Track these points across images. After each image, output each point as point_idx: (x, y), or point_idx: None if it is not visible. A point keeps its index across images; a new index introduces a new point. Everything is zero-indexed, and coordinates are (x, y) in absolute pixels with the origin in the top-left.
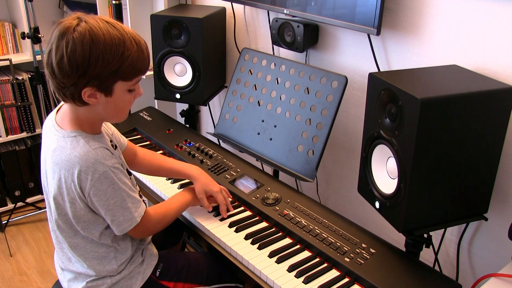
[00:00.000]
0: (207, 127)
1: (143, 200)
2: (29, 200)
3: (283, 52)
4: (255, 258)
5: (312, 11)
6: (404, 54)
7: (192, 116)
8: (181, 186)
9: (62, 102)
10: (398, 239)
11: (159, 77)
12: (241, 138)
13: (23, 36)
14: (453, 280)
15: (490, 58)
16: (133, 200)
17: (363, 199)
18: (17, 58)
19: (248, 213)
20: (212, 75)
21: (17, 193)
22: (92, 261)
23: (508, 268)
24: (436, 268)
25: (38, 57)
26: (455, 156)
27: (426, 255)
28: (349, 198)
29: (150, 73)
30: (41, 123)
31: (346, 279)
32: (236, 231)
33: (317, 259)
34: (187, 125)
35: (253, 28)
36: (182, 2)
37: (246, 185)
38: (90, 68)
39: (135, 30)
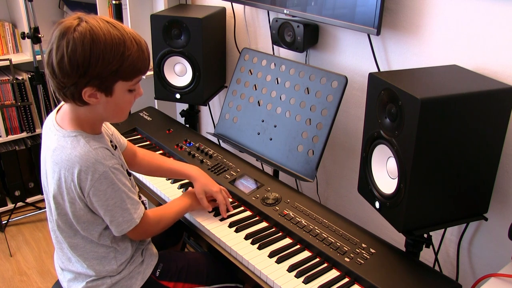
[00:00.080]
0: (207, 127)
1: (143, 201)
2: (29, 200)
3: (283, 52)
4: (255, 258)
5: (312, 11)
6: (404, 54)
7: (192, 116)
8: (181, 186)
9: (62, 102)
10: (398, 239)
11: (159, 77)
12: (241, 138)
13: (23, 36)
14: (453, 280)
15: (490, 58)
16: (132, 201)
17: (363, 199)
18: (17, 58)
19: (248, 213)
20: (212, 75)
21: (17, 193)
22: (91, 261)
23: (508, 268)
24: (436, 268)
25: (38, 57)
26: (455, 156)
27: (426, 255)
28: (349, 198)
29: (150, 73)
30: (41, 123)
31: (346, 279)
32: (236, 231)
33: (317, 259)
34: (187, 125)
35: (253, 28)
36: (182, 2)
37: (246, 185)
38: (90, 68)
39: (135, 30)
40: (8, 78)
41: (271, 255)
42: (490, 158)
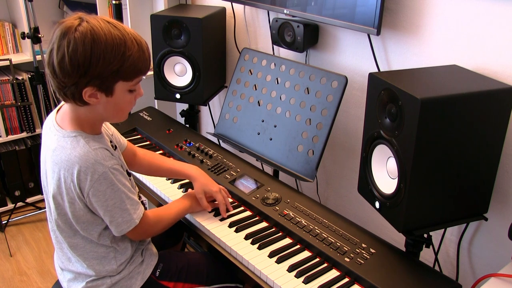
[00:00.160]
0: (207, 127)
1: (142, 201)
2: (29, 200)
3: (283, 52)
4: (255, 258)
5: (312, 11)
6: (404, 54)
7: (192, 116)
8: (181, 186)
9: (62, 102)
10: (398, 239)
11: (159, 77)
12: (241, 138)
13: (23, 36)
14: (453, 280)
15: (490, 58)
16: (132, 201)
17: (363, 199)
18: (17, 58)
19: (248, 213)
20: (212, 75)
21: (17, 193)
22: (91, 261)
23: (508, 268)
24: (436, 268)
25: (38, 57)
26: (455, 156)
27: (426, 255)
28: (349, 198)
29: (150, 73)
30: (41, 123)
31: (346, 279)
32: (236, 231)
33: (317, 259)
34: (187, 125)
35: (253, 28)
36: (182, 2)
37: (246, 185)
38: (91, 68)
39: (135, 30)
40: (8, 78)
41: (271, 255)
42: (490, 158)
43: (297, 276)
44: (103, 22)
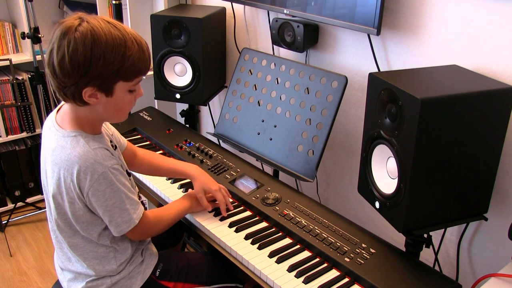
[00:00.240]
0: (207, 127)
1: (142, 201)
2: (29, 200)
3: (283, 52)
4: (255, 258)
5: (312, 11)
6: (404, 54)
7: (192, 116)
8: (181, 186)
9: (62, 102)
10: (398, 239)
11: (159, 77)
12: (241, 138)
13: (23, 36)
14: (453, 280)
15: (490, 58)
16: (131, 201)
17: (363, 199)
18: (17, 58)
19: (248, 213)
20: (212, 75)
21: (17, 193)
22: (91, 261)
23: (508, 268)
24: (436, 268)
25: (38, 57)
26: (455, 156)
27: (426, 255)
28: (349, 198)
29: (150, 73)
30: (41, 123)
31: (346, 279)
32: (236, 231)
33: (317, 259)
34: (187, 125)
35: (253, 28)
36: (182, 2)
37: (246, 185)
38: (91, 68)
39: (135, 30)
40: (8, 78)
41: (271, 255)
42: (490, 158)
43: (297, 276)
44: (104, 22)
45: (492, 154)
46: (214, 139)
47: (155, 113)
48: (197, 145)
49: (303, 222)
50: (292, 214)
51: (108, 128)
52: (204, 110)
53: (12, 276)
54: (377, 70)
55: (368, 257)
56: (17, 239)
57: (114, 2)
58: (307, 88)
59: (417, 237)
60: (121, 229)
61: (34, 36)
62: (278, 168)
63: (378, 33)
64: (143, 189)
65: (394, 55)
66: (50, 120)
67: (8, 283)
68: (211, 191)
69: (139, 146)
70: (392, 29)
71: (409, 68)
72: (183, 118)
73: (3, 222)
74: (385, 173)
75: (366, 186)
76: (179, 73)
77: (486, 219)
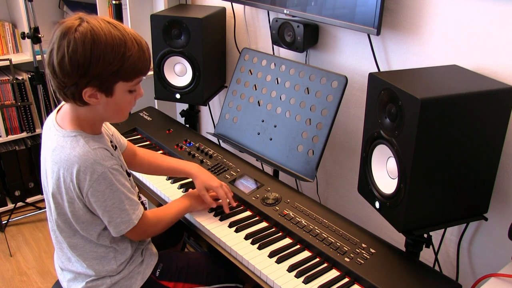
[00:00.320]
0: (207, 127)
1: (142, 201)
2: (29, 200)
3: (283, 52)
4: (255, 258)
5: (312, 11)
6: (404, 54)
7: (192, 116)
8: (181, 186)
9: (62, 102)
10: (398, 239)
11: (159, 77)
12: (241, 138)
13: (23, 36)
14: (453, 280)
15: (490, 58)
16: (131, 202)
17: (363, 199)
18: (17, 58)
19: (248, 213)
20: (212, 75)
21: (17, 193)
22: (91, 261)
23: (508, 268)
24: (436, 268)
25: (38, 57)
26: (455, 156)
27: (426, 255)
28: (349, 198)
29: (150, 73)
30: (41, 123)
31: (346, 279)
32: (236, 231)
33: (317, 259)
34: (187, 125)
35: (253, 28)
36: (182, 2)
37: (246, 185)
38: (91, 68)
39: (135, 30)
40: (8, 78)
41: (271, 255)
42: (490, 158)
43: (297, 276)
44: (103, 23)
45: (492, 154)
46: (214, 139)
47: (155, 113)
48: (197, 145)
49: (303, 222)
50: (292, 214)
51: (108, 128)
52: (204, 110)
53: (12, 276)
54: (377, 70)
55: (368, 257)
56: (17, 239)
57: (114, 2)
58: (307, 88)
59: (417, 237)
60: (120, 229)
61: (34, 36)
62: (278, 168)
63: (378, 33)
64: (143, 189)
65: (394, 55)
66: (50, 120)
67: (8, 283)
68: (213, 188)
69: (139, 146)
70: (392, 29)
71: (409, 68)
72: (183, 118)
73: (3, 222)
74: (385, 173)
75: (366, 186)
76: (179, 73)
77: (486, 219)
